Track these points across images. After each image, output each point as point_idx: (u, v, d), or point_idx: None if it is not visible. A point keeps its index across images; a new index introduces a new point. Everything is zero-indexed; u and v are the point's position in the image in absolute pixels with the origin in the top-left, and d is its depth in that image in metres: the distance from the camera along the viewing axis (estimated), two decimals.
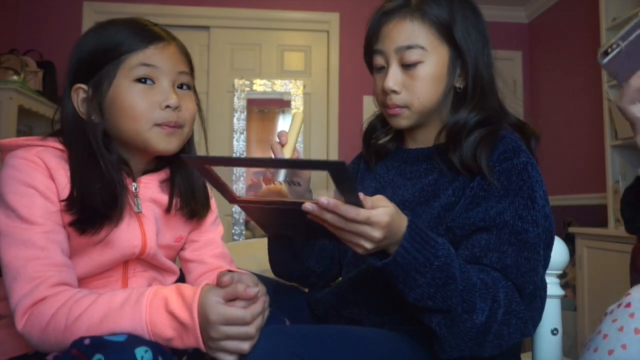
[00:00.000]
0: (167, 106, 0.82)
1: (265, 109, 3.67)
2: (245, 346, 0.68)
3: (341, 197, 0.63)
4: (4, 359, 0.79)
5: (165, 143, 0.84)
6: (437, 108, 0.92)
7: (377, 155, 1.04)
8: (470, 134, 0.86)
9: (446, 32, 0.88)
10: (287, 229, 0.89)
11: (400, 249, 0.68)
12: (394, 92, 0.90)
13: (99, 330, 0.68)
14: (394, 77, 0.90)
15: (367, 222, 0.64)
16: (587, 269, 2.44)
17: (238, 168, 3.41)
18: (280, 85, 3.49)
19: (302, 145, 3.50)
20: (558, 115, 3.42)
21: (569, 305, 2.63)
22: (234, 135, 3.42)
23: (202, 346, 0.68)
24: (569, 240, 2.43)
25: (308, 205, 0.63)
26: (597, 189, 2.82)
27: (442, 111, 0.93)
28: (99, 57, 0.82)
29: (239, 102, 3.44)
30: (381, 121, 1.04)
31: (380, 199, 0.67)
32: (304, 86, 3.51)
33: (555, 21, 3.50)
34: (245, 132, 3.45)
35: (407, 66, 0.89)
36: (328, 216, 0.64)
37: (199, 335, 0.68)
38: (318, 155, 3.52)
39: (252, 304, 0.69)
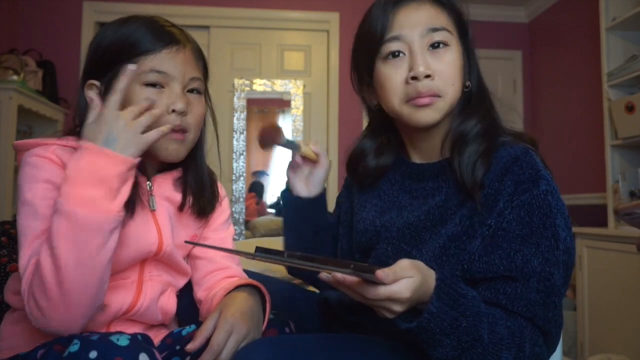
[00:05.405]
0: (174, 110, 0.82)
1: (265, 109, 3.67)
2: None
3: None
4: (13, 354, 0.78)
5: (171, 150, 0.84)
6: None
7: (374, 175, 0.95)
8: (472, 143, 0.81)
9: (460, 26, 0.84)
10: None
11: (426, 314, 0.65)
12: (428, 76, 0.79)
13: (73, 235, 0.68)
14: (424, 61, 0.80)
15: (389, 299, 0.62)
16: (587, 269, 2.44)
17: (238, 165, 3.42)
18: (280, 85, 3.48)
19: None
20: (558, 115, 3.42)
21: (569, 305, 2.63)
22: (234, 135, 3.42)
23: None
24: None
25: (324, 275, 0.61)
26: (597, 188, 2.82)
27: (448, 115, 0.85)
28: (114, 54, 0.81)
29: (239, 102, 3.44)
30: (371, 139, 0.96)
31: (405, 267, 0.62)
32: (304, 86, 3.51)
33: (555, 21, 3.50)
34: (245, 131, 3.45)
35: (435, 49, 0.81)
36: (345, 289, 0.62)
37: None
38: None
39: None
